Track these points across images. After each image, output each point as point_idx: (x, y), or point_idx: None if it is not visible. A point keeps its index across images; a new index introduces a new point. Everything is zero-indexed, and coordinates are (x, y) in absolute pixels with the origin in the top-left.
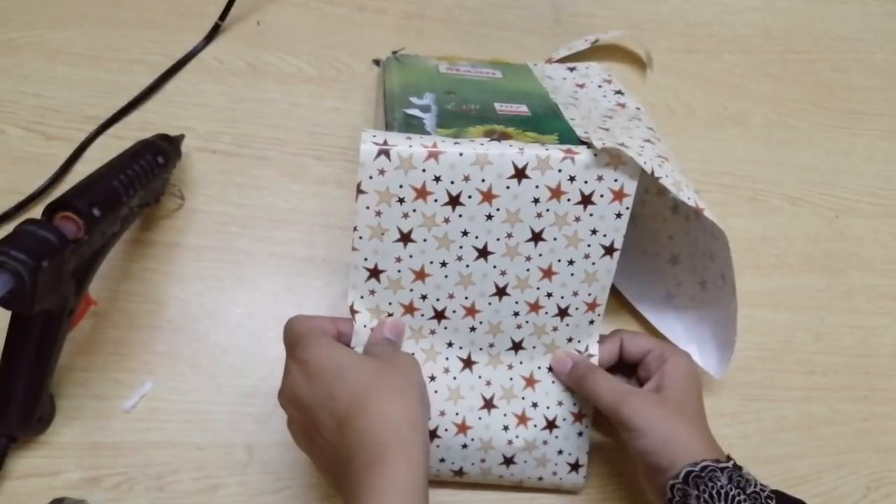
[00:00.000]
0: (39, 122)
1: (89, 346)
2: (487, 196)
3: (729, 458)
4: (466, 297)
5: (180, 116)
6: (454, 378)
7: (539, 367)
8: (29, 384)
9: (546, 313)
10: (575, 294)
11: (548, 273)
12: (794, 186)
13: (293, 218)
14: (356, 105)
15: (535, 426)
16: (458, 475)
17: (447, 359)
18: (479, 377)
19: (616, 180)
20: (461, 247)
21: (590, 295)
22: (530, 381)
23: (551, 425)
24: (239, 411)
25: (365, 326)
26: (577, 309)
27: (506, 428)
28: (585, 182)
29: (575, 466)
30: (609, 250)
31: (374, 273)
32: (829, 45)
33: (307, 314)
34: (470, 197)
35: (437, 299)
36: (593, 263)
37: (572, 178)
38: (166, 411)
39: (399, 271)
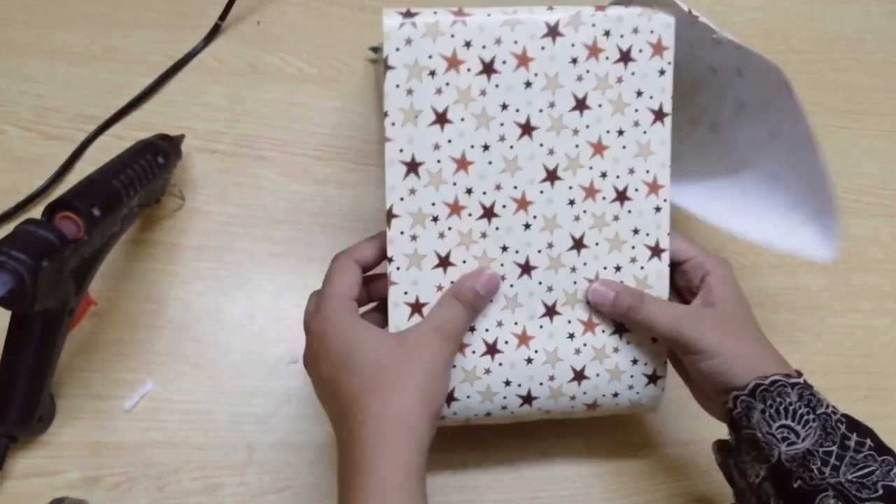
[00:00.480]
0: (39, 122)
1: (90, 346)
2: (523, 60)
3: (799, 374)
4: (515, 187)
5: (180, 116)
6: (511, 285)
7: (605, 268)
8: (29, 384)
9: (604, 198)
10: (631, 171)
11: (598, 147)
12: None
13: (293, 218)
14: (356, 105)
15: (604, 331)
16: (527, 402)
17: (503, 265)
18: (540, 283)
19: (652, 31)
20: (502, 124)
21: (648, 172)
22: None
23: (621, 329)
24: (239, 411)
25: (402, 233)
26: (636, 191)
27: (571, 336)
28: (621, 36)
29: (653, 378)
30: (659, 115)
31: (412, 167)
32: (829, 45)
33: (348, 259)
34: (504, 63)
35: (484, 192)
36: (644, 132)
37: (607, 33)
38: (167, 411)
39: (439, 161)
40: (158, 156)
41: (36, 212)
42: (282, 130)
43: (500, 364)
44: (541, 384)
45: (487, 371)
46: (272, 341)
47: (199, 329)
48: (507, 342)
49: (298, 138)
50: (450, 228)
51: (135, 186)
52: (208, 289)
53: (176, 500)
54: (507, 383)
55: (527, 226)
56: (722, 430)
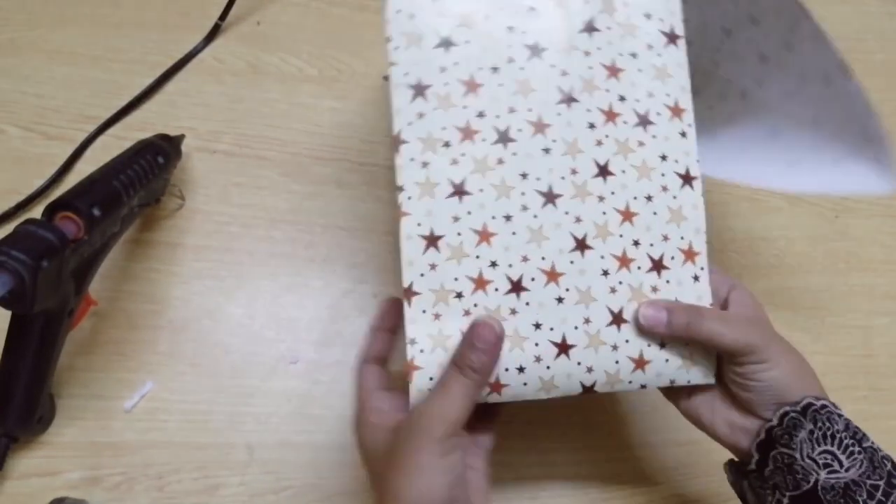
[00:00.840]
0: (39, 122)
1: (90, 346)
2: None
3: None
4: (530, 109)
5: (180, 116)
6: (535, 216)
7: (635, 198)
8: (29, 384)
9: (625, 123)
10: (650, 95)
11: (613, 70)
12: None
13: (293, 218)
14: (356, 105)
15: (640, 268)
16: (564, 351)
17: (524, 193)
18: (566, 213)
19: None
20: (510, 45)
21: (668, 96)
22: (627, 215)
23: (658, 266)
24: (239, 411)
25: (412, 160)
26: (658, 114)
27: (605, 273)
28: None
29: None
30: (671, 37)
31: (419, 90)
32: None
33: (364, 364)
34: None
35: (497, 116)
36: (659, 55)
37: None
38: (167, 411)
39: (446, 84)
40: (158, 156)
41: (36, 212)
42: (282, 130)
43: (528, 303)
44: (576, 328)
45: (513, 311)
46: (272, 341)
47: (199, 329)
48: (533, 279)
49: (298, 138)
50: (463, 154)
51: (135, 186)
52: (208, 289)
53: (176, 500)
54: (538, 326)
55: (546, 150)
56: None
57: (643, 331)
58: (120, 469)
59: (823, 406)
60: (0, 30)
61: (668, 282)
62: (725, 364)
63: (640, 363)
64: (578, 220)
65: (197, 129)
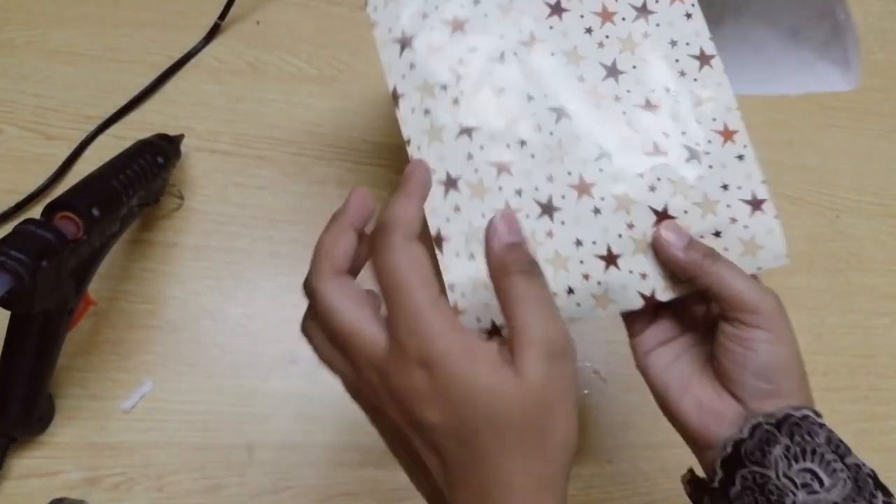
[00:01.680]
0: (39, 121)
1: (88, 347)
2: None
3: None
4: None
5: (180, 116)
6: (551, 133)
7: (653, 91)
8: (28, 384)
9: (623, 19)
10: None
11: None
12: (794, 186)
13: (293, 218)
14: (356, 105)
15: (677, 159)
16: (612, 262)
17: (534, 114)
18: (584, 123)
19: None
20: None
21: None
22: (649, 109)
23: (696, 153)
24: (238, 411)
25: (414, 110)
26: (657, 2)
27: (640, 175)
28: None
29: (755, 204)
30: None
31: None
32: None
33: (337, 277)
34: None
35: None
36: None
37: None
38: (165, 411)
39: None
40: (158, 156)
41: (35, 212)
42: (282, 130)
43: (563, 223)
44: (619, 236)
45: (549, 234)
46: (271, 341)
47: (198, 329)
48: (563, 196)
49: (298, 138)
50: (462, 92)
51: (134, 186)
52: (207, 289)
53: (175, 501)
54: (579, 243)
55: (552, 54)
56: None
57: (657, 253)
58: (119, 469)
59: (805, 416)
60: None
61: (710, 167)
62: (721, 324)
63: None
64: (599, 127)
65: (196, 129)
